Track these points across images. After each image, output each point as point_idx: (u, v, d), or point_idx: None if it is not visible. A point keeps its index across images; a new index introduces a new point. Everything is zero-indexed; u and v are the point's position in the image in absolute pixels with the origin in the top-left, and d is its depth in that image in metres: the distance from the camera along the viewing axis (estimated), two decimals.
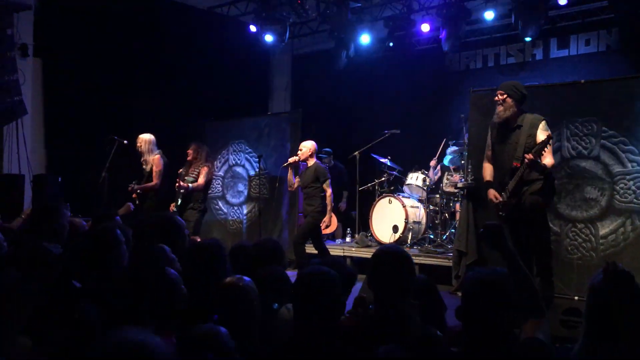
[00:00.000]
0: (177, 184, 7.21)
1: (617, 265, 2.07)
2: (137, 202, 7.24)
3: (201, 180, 7.34)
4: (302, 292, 2.41)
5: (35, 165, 8.04)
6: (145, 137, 7.35)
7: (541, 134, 4.84)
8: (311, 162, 6.95)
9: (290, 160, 7.03)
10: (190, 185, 7.22)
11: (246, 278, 2.93)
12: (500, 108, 5.04)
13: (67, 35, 8.48)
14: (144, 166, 7.37)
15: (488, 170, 5.28)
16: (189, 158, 7.52)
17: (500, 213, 5.06)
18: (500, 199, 4.99)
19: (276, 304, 2.59)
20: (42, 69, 8.45)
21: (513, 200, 4.92)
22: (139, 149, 7.34)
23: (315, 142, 7.20)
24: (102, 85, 8.81)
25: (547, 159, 4.83)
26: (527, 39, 8.44)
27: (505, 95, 4.98)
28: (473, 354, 2.15)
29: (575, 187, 6.27)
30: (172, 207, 7.23)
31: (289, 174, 7.11)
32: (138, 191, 7.19)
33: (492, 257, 6.44)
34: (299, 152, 7.01)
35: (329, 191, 6.84)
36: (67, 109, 8.53)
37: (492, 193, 5.08)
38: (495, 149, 5.21)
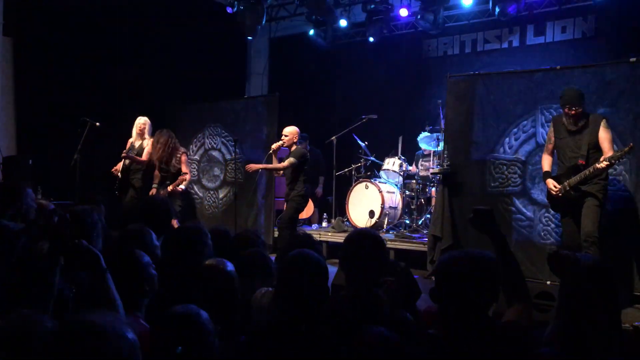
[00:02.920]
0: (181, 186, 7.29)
1: (560, 252, 2.08)
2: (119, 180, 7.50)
3: (187, 174, 7.39)
4: (289, 276, 2.37)
5: (5, 147, 7.85)
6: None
7: (602, 132, 5.15)
8: (294, 147, 6.88)
9: (274, 146, 6.89)
10: (183, 187, 7.30)
11: (227, 261, 2.89)
12: (576, 120, 5.24)
13: (38, 14, 8.27)
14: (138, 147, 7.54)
15: (547, 162, 5.59)
16: (167, 150, 7.35)
17: (563, 204, 5.38)
18: (559, 188, 5.29)
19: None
20: (12, 49, 8.24)
21: (572, 193, 5.23)
22: (141, 131, 7.51)
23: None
24: (74, 66, 8.63)
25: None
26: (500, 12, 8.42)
27: (580, 110, 5.22)
28: (448, 335, 2.15)
29: None
30: (154, 191, 7.16)
31: (273, 161, 6.98)
32: (126, 160, 7.43)
33: (468, 242, 6.51)
34: (283, 137, 6.88)
35: (281, 165, 6.80)
36: (38, 89, 8.34)
37: (550, 182, 5.36)
38: (557, 143, 5.47)
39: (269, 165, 7.00)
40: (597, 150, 5.17)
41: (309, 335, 2.24)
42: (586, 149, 5.17)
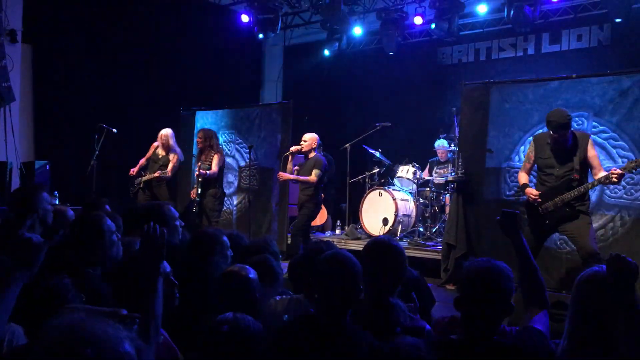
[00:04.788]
0: (197, 172, 7.37)
1: (623, 256, 2.06)
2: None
3: (214, 168, 7.42)
4: (326, 276, 2.36)
5: (23, 153, 7.97)
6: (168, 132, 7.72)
7: (591, 150, 5.00)
8: (312, 154, 6.93)
9: (293, 149, 6.99)
10: (207, 172, 7.32)
11: (248, 267, 2.88)
12: (565, 141, 5.00)
13: (57, 22, 8.40)
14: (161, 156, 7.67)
15: (524, 177, 5.35)
16: (199, 146, 7.62)
17: (547, 221, 5.10)
18: (537, 194, 5.07)
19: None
20: (31, 56, 8.36)
21: (567, 210, 5.00)
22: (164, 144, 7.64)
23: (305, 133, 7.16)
24: (92, 72, 8.74)
25: (602, 173, 4.92)
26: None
27: (569, 131, 4.99)
28: (471, 341, 2.16)
29: None
30: (193, 195, 7.31)
31: (288, 163, 7.05)
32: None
33: (482, 250, 6.48)
34: (302, 143, 6.95)
35: (311, 178, 6.81)
36: (56, 96, 8.46)
37: (529, 191, 5.15)
38: (540, 162, 5.21)
39: (300, 178, 6.94)
40: (586, 167, 5.02)
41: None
42: (579, 163, 4.98)
